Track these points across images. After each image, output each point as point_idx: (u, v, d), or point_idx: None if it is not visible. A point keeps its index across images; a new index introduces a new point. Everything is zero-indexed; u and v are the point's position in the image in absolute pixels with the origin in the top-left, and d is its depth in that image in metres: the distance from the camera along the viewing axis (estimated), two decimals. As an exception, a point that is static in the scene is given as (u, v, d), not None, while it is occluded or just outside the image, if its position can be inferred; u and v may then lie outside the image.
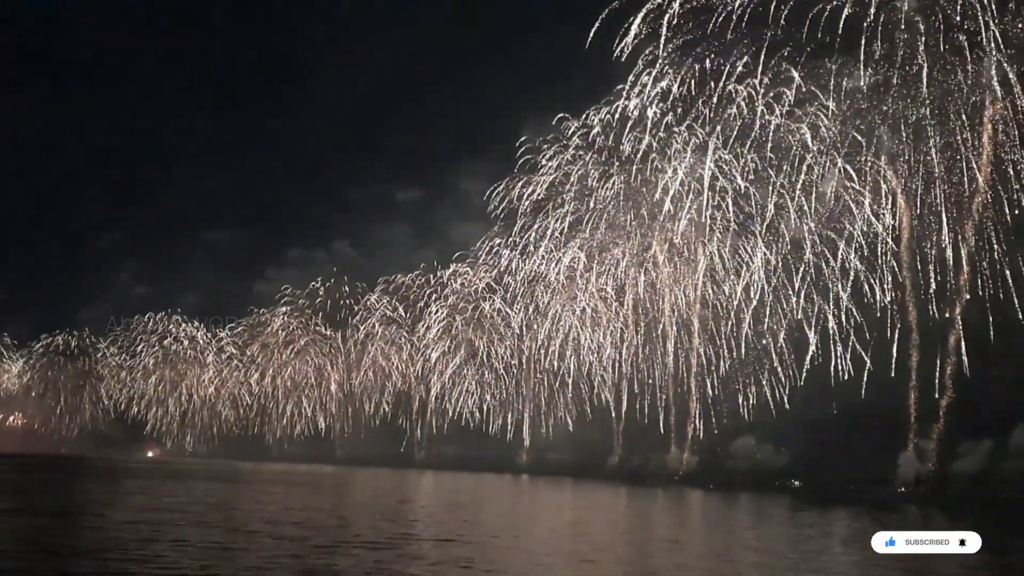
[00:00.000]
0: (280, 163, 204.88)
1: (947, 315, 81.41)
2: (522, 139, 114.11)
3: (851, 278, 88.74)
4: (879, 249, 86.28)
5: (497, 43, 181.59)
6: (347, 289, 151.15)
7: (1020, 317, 76.60)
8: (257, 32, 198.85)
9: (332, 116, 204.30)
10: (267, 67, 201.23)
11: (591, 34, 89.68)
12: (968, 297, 79.90)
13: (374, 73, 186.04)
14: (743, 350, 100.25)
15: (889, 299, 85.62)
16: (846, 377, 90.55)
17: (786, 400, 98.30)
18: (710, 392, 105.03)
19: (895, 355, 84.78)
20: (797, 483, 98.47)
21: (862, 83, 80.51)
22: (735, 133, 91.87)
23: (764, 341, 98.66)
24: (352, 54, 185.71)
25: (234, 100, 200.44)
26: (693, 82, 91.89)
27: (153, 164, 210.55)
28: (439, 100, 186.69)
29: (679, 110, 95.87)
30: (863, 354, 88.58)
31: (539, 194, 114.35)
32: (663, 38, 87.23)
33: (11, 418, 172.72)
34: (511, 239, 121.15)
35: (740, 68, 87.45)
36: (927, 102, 78.07)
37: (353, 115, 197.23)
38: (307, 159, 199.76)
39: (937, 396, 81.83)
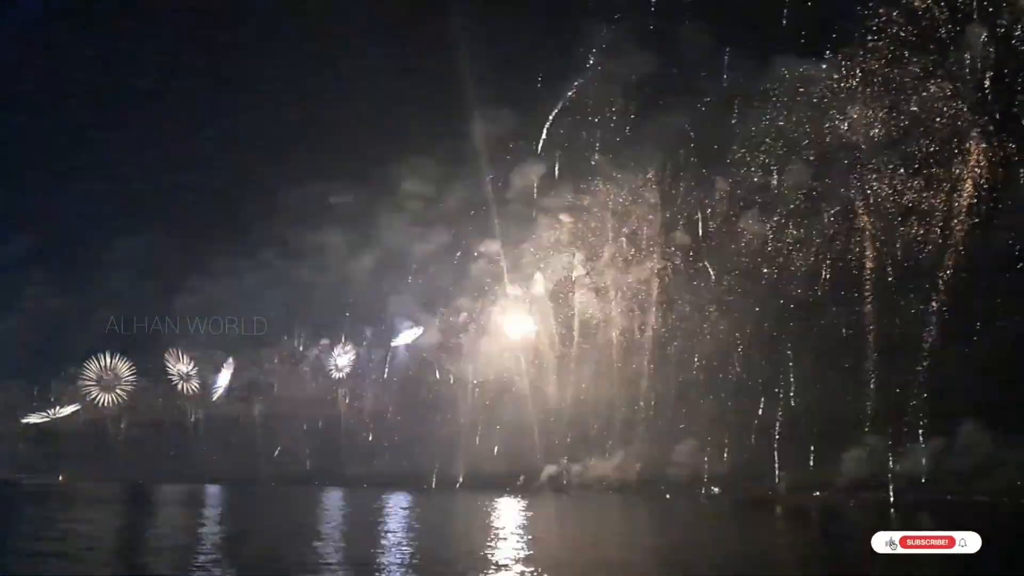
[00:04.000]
0: (204, 164, 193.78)
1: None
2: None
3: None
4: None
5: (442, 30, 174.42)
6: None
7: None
8: (182, 24, 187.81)
9: (260, 113, 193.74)
10: (191, 61, 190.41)
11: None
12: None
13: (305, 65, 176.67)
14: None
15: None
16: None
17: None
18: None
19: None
20: (716, 489, 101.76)
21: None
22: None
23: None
24: (281, 46, 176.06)
25: (151, 95, 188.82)
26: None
27: (61, 163, 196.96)
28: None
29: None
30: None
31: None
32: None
33: None
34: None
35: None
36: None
37: (283, 113, 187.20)
38: (234, 160, 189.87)
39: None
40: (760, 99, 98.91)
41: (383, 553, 35.07)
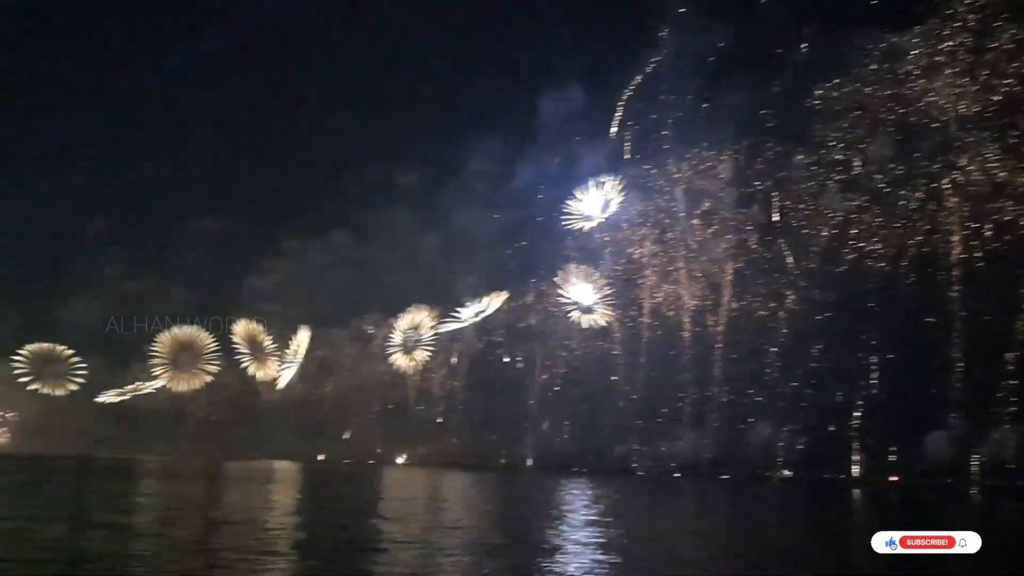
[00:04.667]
0: (275, 146, 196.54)
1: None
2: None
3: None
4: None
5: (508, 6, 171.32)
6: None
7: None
8: (248, 10, 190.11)
9: (328, 97, 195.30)
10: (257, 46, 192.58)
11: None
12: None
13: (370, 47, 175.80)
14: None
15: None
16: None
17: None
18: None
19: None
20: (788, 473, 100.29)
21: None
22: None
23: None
24: (346, 29, 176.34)
25: (222, 80, 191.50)
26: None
27: (137, 148, 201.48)
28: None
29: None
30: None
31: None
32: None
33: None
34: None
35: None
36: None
37: (351, 95, 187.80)
38: (303, 143, 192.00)
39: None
40: (842, 73, 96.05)
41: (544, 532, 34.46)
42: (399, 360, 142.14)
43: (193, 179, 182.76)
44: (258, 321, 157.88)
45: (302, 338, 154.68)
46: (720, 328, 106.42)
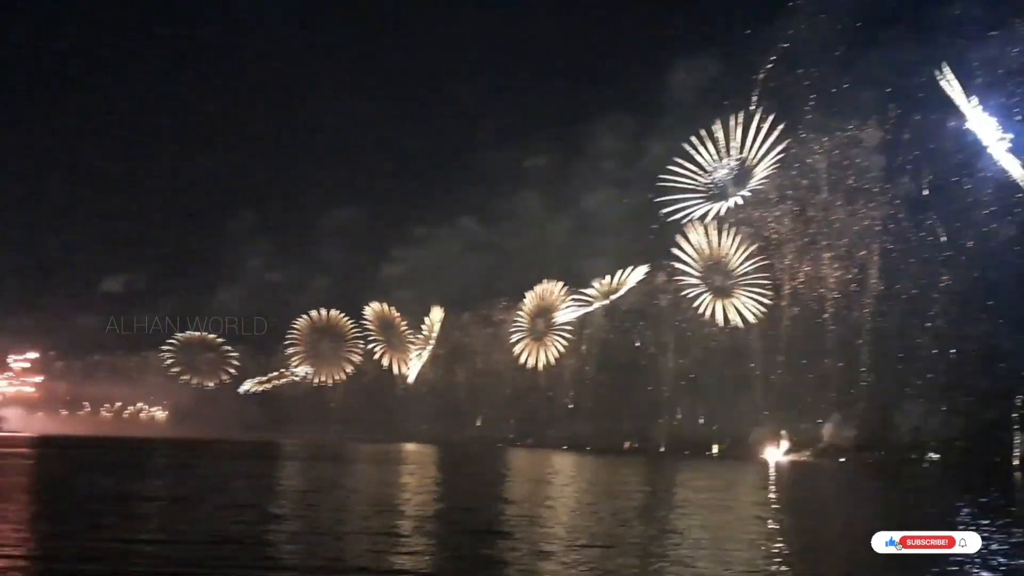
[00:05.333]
0: (404, 134, 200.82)
1: None
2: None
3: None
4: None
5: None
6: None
7: None
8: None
9: (455, 81, 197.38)
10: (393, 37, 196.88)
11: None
12: None
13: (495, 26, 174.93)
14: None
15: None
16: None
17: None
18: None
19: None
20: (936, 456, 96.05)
21: None
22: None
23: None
24: (471, 12, 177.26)
25: (352, 70, 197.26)
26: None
27: (275, 139, 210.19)
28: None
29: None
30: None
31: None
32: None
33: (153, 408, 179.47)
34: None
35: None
36: None
37: (477, 78, 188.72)
38: (432, 130, 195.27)
39: None
40: (1003, 28, 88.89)
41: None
42: (528, 347, 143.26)
43: (329, 170, 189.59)
44: (391, 307, 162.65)
45: (435, 318, 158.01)
46: (867, 310, 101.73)
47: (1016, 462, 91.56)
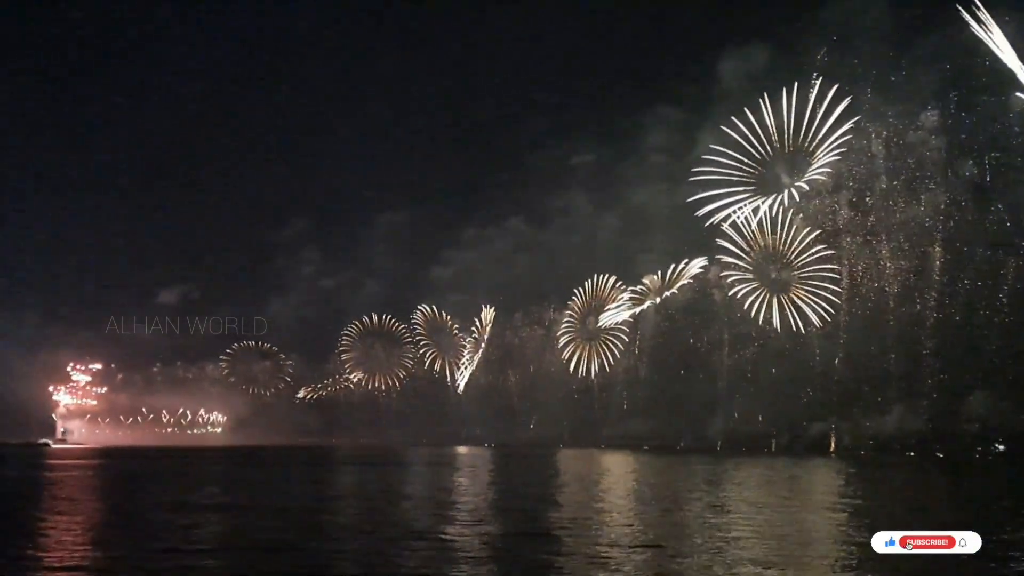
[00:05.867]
0: (451, 137, 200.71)
1: None
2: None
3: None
4: None
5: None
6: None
7: None
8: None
9: (501, 82, 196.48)
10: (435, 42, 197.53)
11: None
12: None
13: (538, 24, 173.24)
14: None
15: None
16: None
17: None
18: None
19: None
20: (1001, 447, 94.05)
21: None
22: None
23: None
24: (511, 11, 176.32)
25: (399, 78, 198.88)
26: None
27: (324, 146, 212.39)
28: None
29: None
30: None
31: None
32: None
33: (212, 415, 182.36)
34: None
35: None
36: None
37: (523, 79, 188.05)
38: (478, 129, 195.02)
39: None
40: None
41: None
42: (580, 347, 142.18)
43: (376, 176, 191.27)
44: (441, 310, 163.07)
45: (486, 319, 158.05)
46: (931, 302, 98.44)
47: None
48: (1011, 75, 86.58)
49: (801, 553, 23.67)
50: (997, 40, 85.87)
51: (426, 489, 49.47)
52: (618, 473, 65.52)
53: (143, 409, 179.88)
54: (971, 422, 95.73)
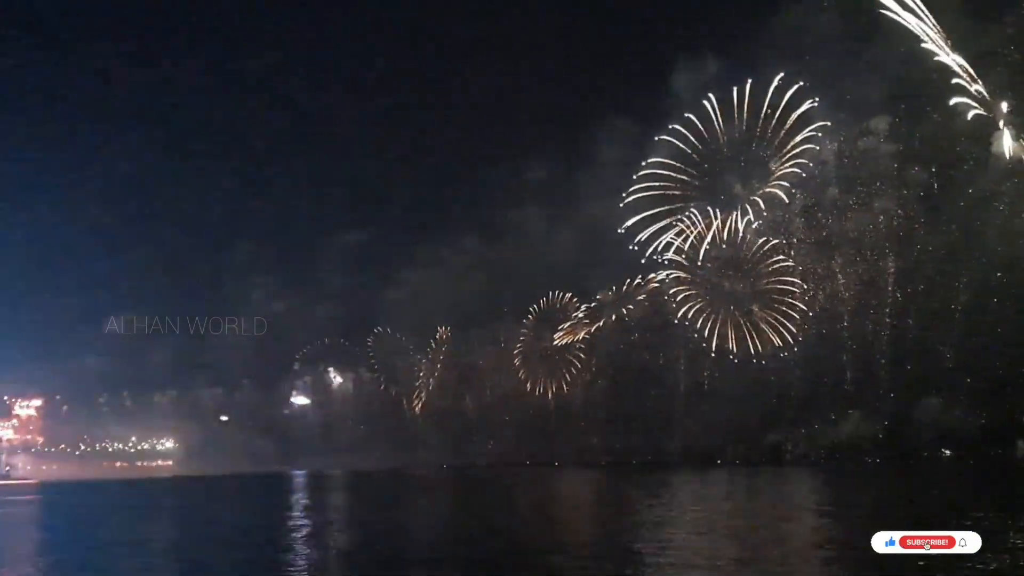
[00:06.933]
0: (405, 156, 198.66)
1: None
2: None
3: None
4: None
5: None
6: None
7: None
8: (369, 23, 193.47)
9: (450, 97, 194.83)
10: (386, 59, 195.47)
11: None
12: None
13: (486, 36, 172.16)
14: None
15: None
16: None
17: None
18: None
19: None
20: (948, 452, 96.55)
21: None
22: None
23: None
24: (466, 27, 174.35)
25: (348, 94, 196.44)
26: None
27: (272, 167, 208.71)
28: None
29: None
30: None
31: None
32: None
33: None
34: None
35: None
36: None
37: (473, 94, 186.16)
38: (432, 147, 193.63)
39: None
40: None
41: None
42: (535, 365, 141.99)
43: (326, 196, 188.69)
44: (396, 332, 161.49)
45: (441, 339, 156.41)
46: (885, 311, 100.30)
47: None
48: (960, 84, 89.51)
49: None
50: (939, 44, 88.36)
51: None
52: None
53: (91, 441, 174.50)
54: (924, 428, 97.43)
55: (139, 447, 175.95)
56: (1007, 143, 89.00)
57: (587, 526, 39.15)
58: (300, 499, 67.79)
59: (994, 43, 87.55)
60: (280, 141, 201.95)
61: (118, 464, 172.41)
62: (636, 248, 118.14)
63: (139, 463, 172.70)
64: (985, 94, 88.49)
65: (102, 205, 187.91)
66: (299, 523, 43.91)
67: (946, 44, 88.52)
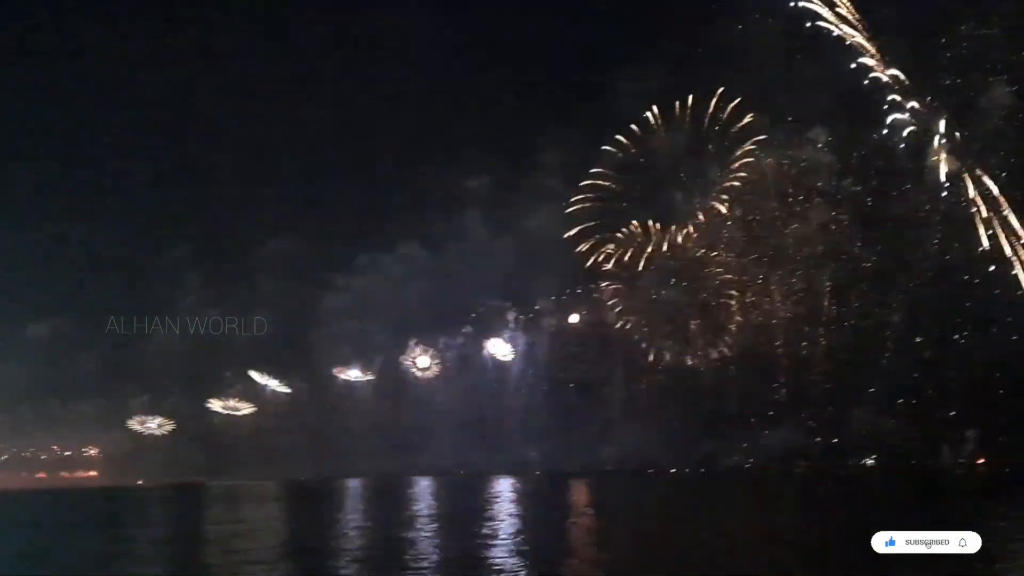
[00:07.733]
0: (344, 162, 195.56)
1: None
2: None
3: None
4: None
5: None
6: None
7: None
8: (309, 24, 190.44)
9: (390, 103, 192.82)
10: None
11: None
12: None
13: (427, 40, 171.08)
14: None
15: None
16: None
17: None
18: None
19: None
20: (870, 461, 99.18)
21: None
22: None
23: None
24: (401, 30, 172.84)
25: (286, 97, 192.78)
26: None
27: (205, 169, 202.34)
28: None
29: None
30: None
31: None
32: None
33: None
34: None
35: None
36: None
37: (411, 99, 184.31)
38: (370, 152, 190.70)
39: None
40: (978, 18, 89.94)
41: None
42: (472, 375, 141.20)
43: (264, 201, 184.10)
44: (334, 340, 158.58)
45: (379, 347, 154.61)
46: (819, 325, 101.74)
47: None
48: (896, 101, 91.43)
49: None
50: (877, 59, 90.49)
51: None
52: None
53: (14, 451, 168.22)
54: (851, 438, 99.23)
55: (63, 456, 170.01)
56: (942, 159, 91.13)
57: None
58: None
59: (931, 60, 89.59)
60: (214, 143, 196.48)
61: (39, 475, 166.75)
62: (577, 257, 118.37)
63: (63, 473, 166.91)
64: (921, 110, 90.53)
65: (24, 206, 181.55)
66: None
67: (883, 60, 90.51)
